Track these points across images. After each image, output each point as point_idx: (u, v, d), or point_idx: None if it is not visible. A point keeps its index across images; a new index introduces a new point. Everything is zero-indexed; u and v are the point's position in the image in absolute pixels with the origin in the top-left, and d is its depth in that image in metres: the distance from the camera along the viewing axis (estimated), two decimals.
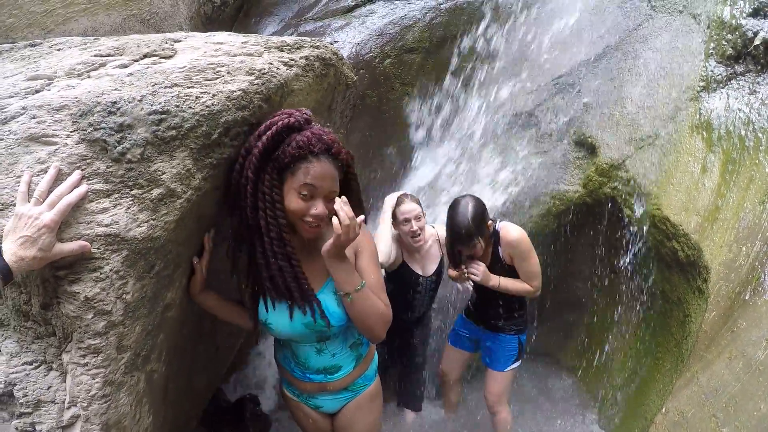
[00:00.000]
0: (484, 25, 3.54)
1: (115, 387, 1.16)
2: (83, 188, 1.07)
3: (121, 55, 1.36)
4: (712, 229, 2.44)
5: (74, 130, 1.11)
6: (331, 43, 1.95)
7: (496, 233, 2.26)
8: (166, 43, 1.43)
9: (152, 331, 1.26)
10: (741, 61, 2.85)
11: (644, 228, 2.74)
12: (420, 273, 2.49)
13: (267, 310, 1.42)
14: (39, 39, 1.65)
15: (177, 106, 1.17)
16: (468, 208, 2.13)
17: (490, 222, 2.22)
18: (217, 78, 1.27)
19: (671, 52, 3.10)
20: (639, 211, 2.76)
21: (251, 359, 2.92)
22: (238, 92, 1.26)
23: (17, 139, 1.10)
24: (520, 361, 2.53)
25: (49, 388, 1.16)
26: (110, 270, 1.09)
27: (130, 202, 1.12)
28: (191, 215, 1.26)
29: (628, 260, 2.89)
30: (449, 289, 2.92)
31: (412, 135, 3.49)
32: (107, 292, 1.09)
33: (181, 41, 1.47)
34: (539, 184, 3.14)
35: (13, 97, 1.19)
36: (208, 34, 1.58)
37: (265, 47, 1.48)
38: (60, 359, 1.16)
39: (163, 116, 1.15)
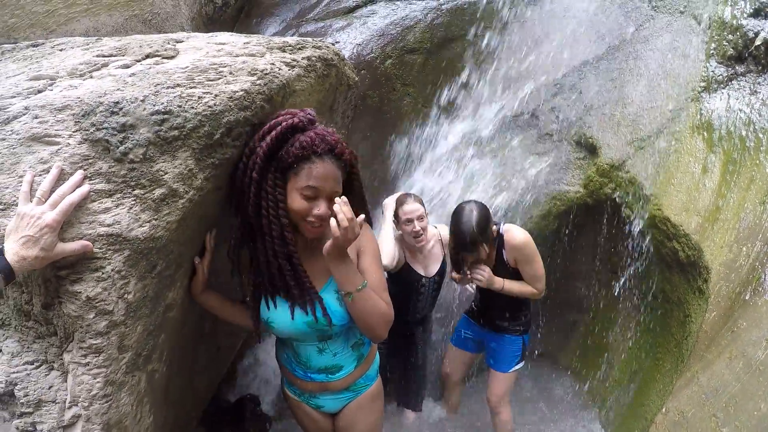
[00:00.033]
0: (484, 26, 3.54)
1: (117, 387, 1.16)
2: (85, 188, 1.07)
3: (124, 56, 1.37)
4: (713, 230, 2.45)
5: (77, 130, 1.12)
6: (333, 44, 1.94)
7: (500, 236, 2.25)
8: (169, 43, 1.43)
9: (153, 331, 1.26)
10: (742, 61, 2.85)
11: (645, 228, 2.75)
12: (422, 274, 2.49)
13: (268, 309, 1.43)
14: (41, 39, 1.66)
15: (179, 107, 1.17)
16: (472, 215, 2.12)
17: (493, 226, 2.22)
18: (220, 78, 1.27)
19: (672, 52, 3.10)
20: (640, 211, 2.76)
21: (251, 359, 2.92)
22: (241, 92, 1.26)
23: (19, 139, 1.11)
24: (523, 362, 2.53)
25: (50, 387, 1.16)
26: (112, 270, 1.09)
27: (133, 202, 1.12)
28: (193, 215, 1.26)
29: (628, 261, 2.89)
30: (450, 290, 2.92)
31: (413, 135, 3.49)
32: (109, 292, 1.10)
33: (183, 42, 1.48)
34: (540, 184, 3.14)
35: (15, 97, 1.20)
36: (210, 34, 1.58)
37: (267, 48, 1.48)
38: (61, 359, 1.16)
39: (166, 116, 1.15)
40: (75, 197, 1.05)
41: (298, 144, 1.23)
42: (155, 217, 1.15)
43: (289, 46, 1.56)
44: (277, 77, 1.37)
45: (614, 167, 2.94)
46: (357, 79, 2.09)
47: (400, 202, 2.35)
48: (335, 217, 1.22)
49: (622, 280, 2.95)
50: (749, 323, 1.97)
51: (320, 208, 1.27)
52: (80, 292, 1.07)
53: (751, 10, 2.91)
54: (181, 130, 1.17)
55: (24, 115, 1.13)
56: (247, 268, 1.44)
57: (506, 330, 2.47)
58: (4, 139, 1.11)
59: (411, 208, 2.30)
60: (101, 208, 1.09)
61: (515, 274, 2.29)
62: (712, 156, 2.66)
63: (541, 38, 3.56)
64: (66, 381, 1.15)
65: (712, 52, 2.96)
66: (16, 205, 1.05)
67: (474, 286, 2.52)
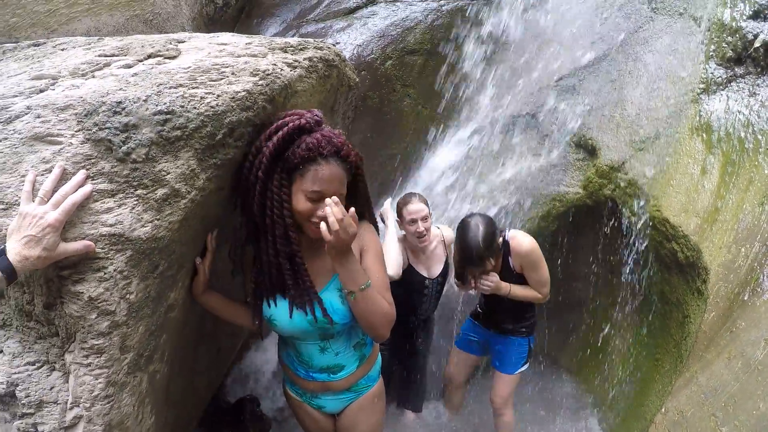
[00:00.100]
0: (483, 27, 3.55)
1: (118, 387, 1.16)
2: (88, 188, 1.07)
3: (126, 56, 1.37)
4: (712, 231, 2.46)
5: (79, 130, 1.11)
6: (333, 45, 1.95)
7: (506, 243, 2.25)
8: (170, 43, 1.43)
9: (155, 331, 1.26)
10: (741, 63, 2.87)
11: (644, 229, 2.75)
12: (425, 275, 2.49)
13: (269, 307, 1.43)
14: (42, 39, 1.65)
15: (182, 107, 1.17)
16: (478, 230, 2.10)
17: (499, 238, 2.21)
18: (222, 79, 1.27)
19: (671, 54, 3.11)
20: (639, 212, 2.77)
21: (252, 360, 2.91)
22: (243, 93, 1.26)
23: (22, 139, 1.10)
24: (528, 363, 2.53)
25: (51, 388, 1.15)
26: (114, 270, 1.09)
27: (135, 202, 1.12)
28: (195, 215, 1.26)
29: (627, 261, 2.90)
30: (453, 292, 2.92)
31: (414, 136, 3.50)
32: (111, 292, 1.09)
33: (185, 42, 1.47)
34: (539, 185, 3.15)
35: (17, 96, 1.19)
36: (211, 34, 1.58)
37: (269, 48, 1.48)
38: (63, 359, 1.16)
39: (168, 116, 1.15)
40: (77, 197, 1.05)
41: (304, 145, 1.24)
42: (157, 217, 1.15)
43: (291, 46, 1.56)
44: (279, 78, 1.37)
45: (614, 168, 2.95)
46: (358, 80, 2.09)
47: (404, 202, 2.34)
48: (326, 220, 1.21)
49: (622, 280, 2.96)
50: (748, 323, 1.98)
51: (324, 210, 1.27)
52: (82, 293, 1.07)
53: (751, 12, 2.93)
54: (184, 130, 1.16)
55: (26, 114, 1.13)
56: (251, 266, 1.45)
57: (512, 332, 2.47)
58: (6, 139, 1.10)
59: (415, 208, 2.29)
60: (104, 208, 1.09)
61: (521, 280, 2.29)
62: (711, 157, 2.67)
63: (540, 40, 3.57)
64: (67, 382, 1.14)
65: (711, 53, 2.98)
66: (18, 204, 1.04)
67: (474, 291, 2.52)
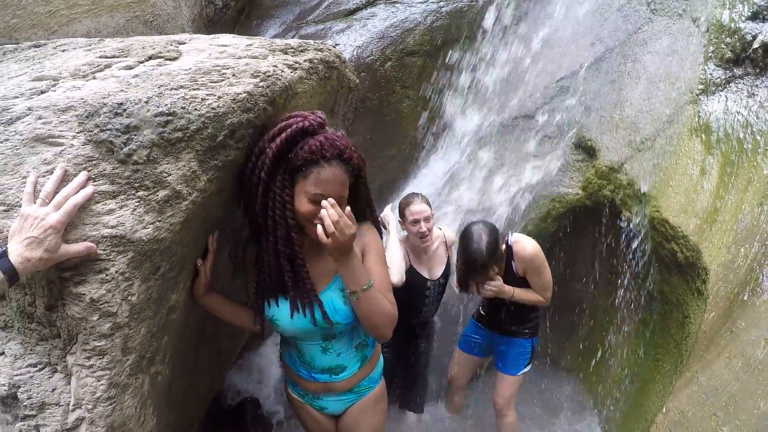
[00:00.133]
0: (483, 29, 3.56)
1: (120, 389, 1.16)
2: (89, 189, 1.07)
3: (126, 57, 1.37)
4: (711, 231, 2.46)
5: (80, 131, 1.11)
6: (333, 46, 1.95)
7: (509, 248, 2.24)
8: (171, 45, 1.43)
9: (157, 333, 1.26)
10: (740, 64, 2.88)
11: (643, 230, 2.76)
12: (427, 277, 2.48)
13: (270, 306, 1.44)
14: (43, 40, 1.65)
15: (183, 108, 1.17)
16: (482, 239, 2.10)
17: (503, 245, 2.20)
18: (223, 80, 1.27)
19: (671, 55, 3.12)
20: (638, 213, 2.78)
21: (253, 362, 2.91)
22: (244, 94, 1.26)
23: (23, 140, 1.10)
24: (531, 364, 2.53)
25: (53, 390, 1.15)
26: (116, 271, 1.09)
27: (136, 204, 1.12)
28: (196, 217, 1.26)
29: (627, 262, 2.90)
30: (453, 294, 2.92)
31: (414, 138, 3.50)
32: (113, 294, 1.09)
33: (185, 43, 1.48)
34: (539, 186, 3.15)
35: (18, 97, 1.19)
36: (212, 36, 1.58)
37: (269, 50, 1.48)
38: (64, 361, 1.16)
39: (170, 118, 1.15)
40: (79, 198, 1.05)
41: (307, 148, 1.24)
42: (159, 218, 1.15)
43: (291, 48, 1.56)
44: (280, 79, 1.37)
45: (613, 169, 2.95)
46: (358, 81, 2.10)
47: (406, 203, 2.34)
48: (322, 223, 1.22)
49: (622, 281, 2.96)
50: (748, 323, 1.98)
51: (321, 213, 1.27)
52: (84, 294, 1.07)
53: (749, 14, 2.94)
54: (185, 131, 1.17)
55: (27, 115, 1.13)
56: (252, 266, 1.45)
57: (515, 333, 2.47)
58: (7, 140, 1.10)
59: (418, 208, 2.28)
60: (105, 209, 1.09)
61: (524, 283, 2.29)
62: (710, 158, 2.67)
63: (540, 41, 3.58)
64: (69, 383, 1.14)
65: (710, 54, 2.98)
66: (20, 206, 1.04)
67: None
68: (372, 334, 1.46)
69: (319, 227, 1.22)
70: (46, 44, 1.55)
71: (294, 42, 1.62)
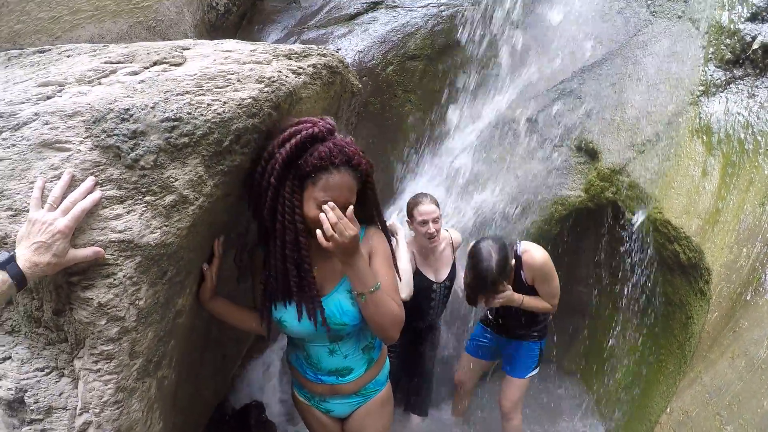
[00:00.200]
0: (483, 30, 3.57)
1: (128, 393, 1.16)
2: (97, 194, 1.08)
3: (131, 62, 1.38)
4: (713, 232, 2.46)
5: (87, 137, 1.12)
6: (335, 51, 1.96)
7: (518, 258, 2.24)
8: (176, 50, 1.44)
9: (164, 337, 1.26)
10: (740, 65, 2.89)
11: (646, 232, 2.76)
12: (433, 279, 2.48)
13: (276, 309, 1.44)
14: (47, 45, 1.66)
15: (189, 114, 1.17)
16: (491, 257, 2.07)
17: (512, 259, 2.18)
18: (228, 86, 1.28)
19: (671, 57, 3.14)
20: (640, 215, 2.78)
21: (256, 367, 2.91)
22: (249, 100, 1.27)
23: (30, 145, 1.11)
24: (539, 367, 2.53)
25: (60, 394, 1.15)
26: (123, 276, 1.10)
27: (144, 209, 1.13)
28: (203, 222, 1.26)
29: (630, 264, 2.90)
30: (460, 297, 2.91)
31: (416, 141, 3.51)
32: (120, 298, 1.10)
33: (190, 49, 1.49)
34: (541, 189, 3.16)
35: (24, 103, 1.20)
36: (216, 42, 1.59)
37: (273, 55, 1.49)
38: (72, 365, 1.16)
39: (176, 123, 1.16)
40: (86, 203, 1.05)
41: (316, 154, 1.25)
42: (166, 223, 1.15)
43: (295, 53, 1.57)
44: (285, 85, 1.38)
45: (615, 171, 2.96)
46: (360, 86, 2.11)
47: (415, 203, 2.33)
48: (321, 228, 1.22)
49: (624, 283, 2.96)
50: (751, 323, 1.98)
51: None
52: (92, 299, 1.07)
53: (748, 15, 2.95)
54: (191, 137, 1.17)
55: (34, 121, 1.13)
56: (260, 269, 1.46)
57: (524, 336, 2.47)
58: (14, 145, 1.11)
59: (427, 209, 2.27)
60: (113, 214, 1.10)
61: (532, 291, 2.29)
62: (712, 159, 2.68)
63: (540, 44, 3.59)
64: (76, 388, 1.14)
65: (710, 56, 3.00)
66: (28, 211, 1.05)
67: None
68: (379, 336, 1.47)
69: (319, 230, 1.23)
70: (50, 50, 1.56)
71: (297, 47, 1.63)
